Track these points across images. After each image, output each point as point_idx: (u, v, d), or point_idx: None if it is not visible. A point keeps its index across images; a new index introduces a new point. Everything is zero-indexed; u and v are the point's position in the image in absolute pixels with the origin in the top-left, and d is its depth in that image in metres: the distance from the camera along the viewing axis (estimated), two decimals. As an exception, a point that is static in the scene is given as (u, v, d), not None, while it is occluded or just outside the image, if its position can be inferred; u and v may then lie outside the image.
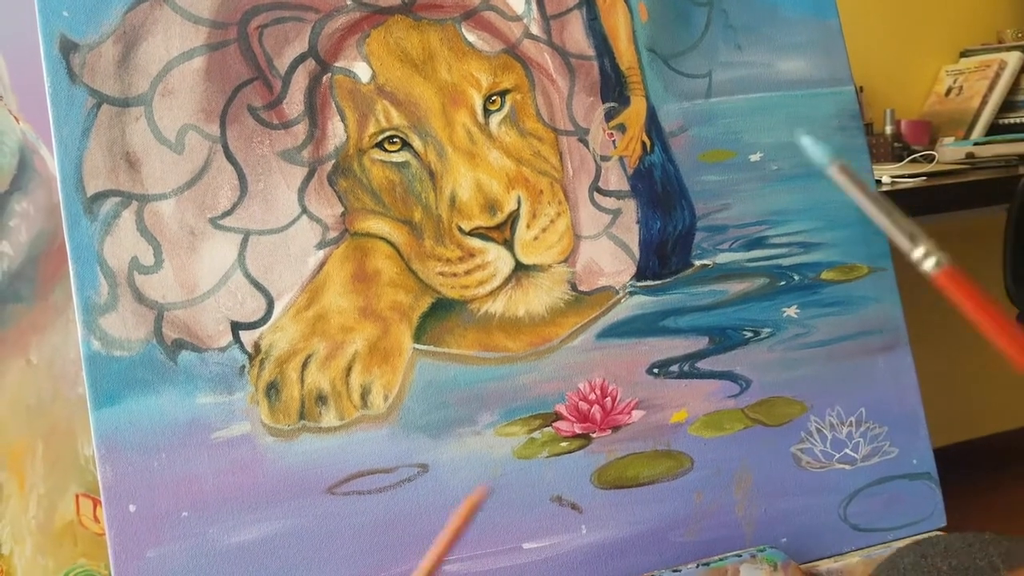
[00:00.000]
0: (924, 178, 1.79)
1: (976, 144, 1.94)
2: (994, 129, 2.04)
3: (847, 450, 0.90)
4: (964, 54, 2.17)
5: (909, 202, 1.63)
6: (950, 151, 1.94)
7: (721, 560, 0.83)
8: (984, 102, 2.04)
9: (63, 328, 0.95)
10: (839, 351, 0.91)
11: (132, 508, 0.72)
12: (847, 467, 0.90)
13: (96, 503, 0.93)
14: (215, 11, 0.78)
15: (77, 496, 0.93)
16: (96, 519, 0.93)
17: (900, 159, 1.97)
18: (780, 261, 0.91)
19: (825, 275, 0.92)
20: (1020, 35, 2.13)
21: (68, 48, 0.74)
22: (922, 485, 0.92)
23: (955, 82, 2.12)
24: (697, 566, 0.82)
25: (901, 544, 0.90)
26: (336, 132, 0.80)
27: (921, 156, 1.93)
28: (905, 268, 0.93)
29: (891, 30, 2.09)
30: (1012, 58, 2.04)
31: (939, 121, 2.10)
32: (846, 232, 0.93)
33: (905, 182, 1.76)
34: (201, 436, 0.74)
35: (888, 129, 2.03)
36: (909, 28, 2.14)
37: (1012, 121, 2.04)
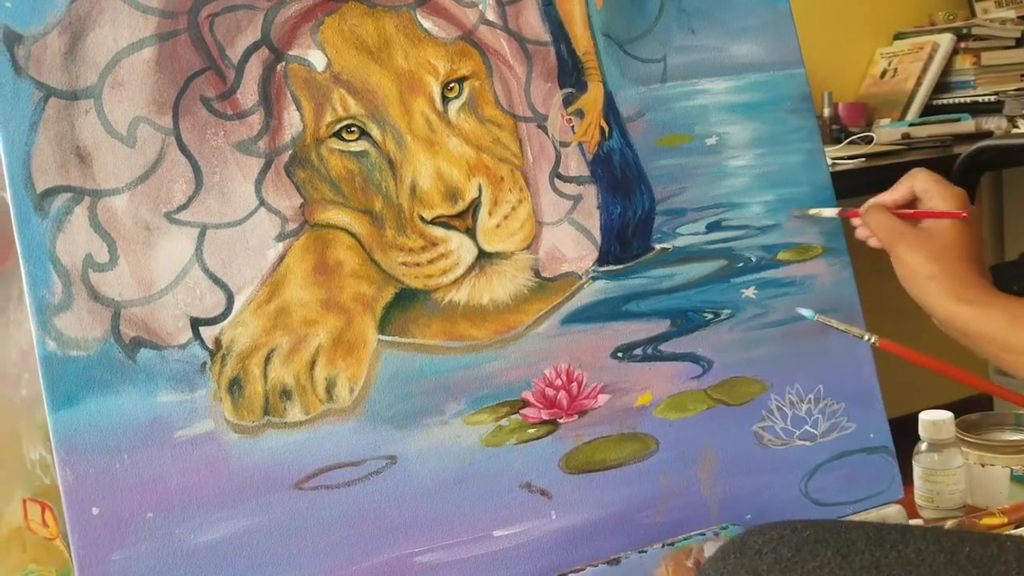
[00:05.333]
0: (863, 159, 1.83)
1: (912, 125, 1.99)
2: (928, 110, 2.09)
3: (807, 427, 0.92)
4: (898, 37, 2.22)
5: (849, 184, 1.66)
6: (887, 132, 1.98)
7: (685, 539, 0.84)
8: (918, 84, 2.09)
9: (3, 329, 0.92)
10: (796, 330, 0.93)
11: (95, 511, 0.70)
12: (807, 443, 0.92)
13: (44, 507, 0.90)
14: (164, 0, 0.76)
15: (24, 501, 0.90)
16: (44, 524, 0.91)
17: (838, 141, 2.01)
18: (737, 243, 0.92)
19: (781, 256, 0.93)
20: (951, 18, 2.19)
21: (12, 40, 0.72)
22: (879, 458, 0.94)
23: (889, 64, 2.17)
24: (663, 546, 0.83)
25: (861, 516, 0.92)
26: (292, 122, 0.79)
27: (859, 138, 1.97)
28: (857, 248, 0.95)
29: (826, 14, 2.13)
30: (944, 40, 2.09)
31: (875, 103, 2.15)
32: (801, 213, 0.95)
33: (844, 164, 1.80)
34: (164, 435, 0.72)
35: (826, 112, 2.07)
36: (843, 12, 2.18)
37: (945, 102, 2.10)
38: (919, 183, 0.82)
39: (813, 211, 0.92)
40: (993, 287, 0.75)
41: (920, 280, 0.77)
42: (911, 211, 0.82)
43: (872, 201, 0.84)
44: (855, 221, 0.87)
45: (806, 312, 0.85)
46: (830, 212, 0.92)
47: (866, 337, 0.81)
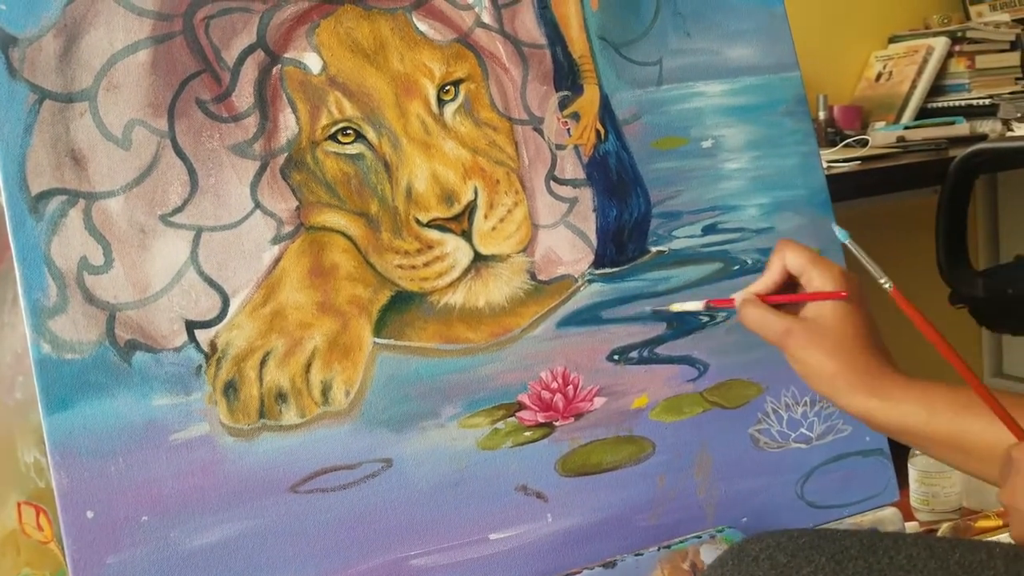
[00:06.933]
0: (858, 162, 1.83)
1: (907, 128, 1.99)
2: (923, 113, 2.10)
3: (802, 429, 0.92)
4: (892, 40, 2.23)
5: (844, 187, 1.67)
6: (882, 135, 1.99)
7: (682, 542, 0.84)
8: (913, 87, 2.10)
9: (-4, 332, 0.91)
10: (792, 333, 0.92)
11: (90, 515, 0.70)
12: (803, 446, 0.92)
13: (39, 511, 0.90)
14: (159, 2, 0.76)
15: (19, 504, 0.90)
16: (39, 527, 0.90)
17: (834, 144, 2.01)
18: (733, 246, 0.92)
19: (777, 258, 0.93)
20: (945, 21, 2.20)
21: (7, 42, 0.71)
22: (875, 461, 0.95)
23: (884, 67, 2.17)
24: (658, 549, 0.83)
25: (857, 519, 0.92)
26: (288, 124, 0.78)
27: (855, 141, 1.98)
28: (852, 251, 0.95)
29: (821, 17, 2.13)
30: (939, 43, 2.10)
31: (870, 106, 2.15)
32: (796, 216, 0.95)
33: (840, 166, 1.80)
34: (159, 438, 0.72)
35: (821, 115, 2.08)
36: (838, 15, 2.19)
37: (940, 105, 2.10)
38: (791, 260, 0.74)
39: (676, 307, 0.85)
40: (900, 373, 0.70)
41: (824, 380, 0.70)
42: (785, 296, 0.74)
43: (745, 293, 0.75)
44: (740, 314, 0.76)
45: (840, 232, 0.75)
46: (695, 305, 0.83)
47: (883, 280, 0.72)
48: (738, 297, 0.75)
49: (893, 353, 0.73)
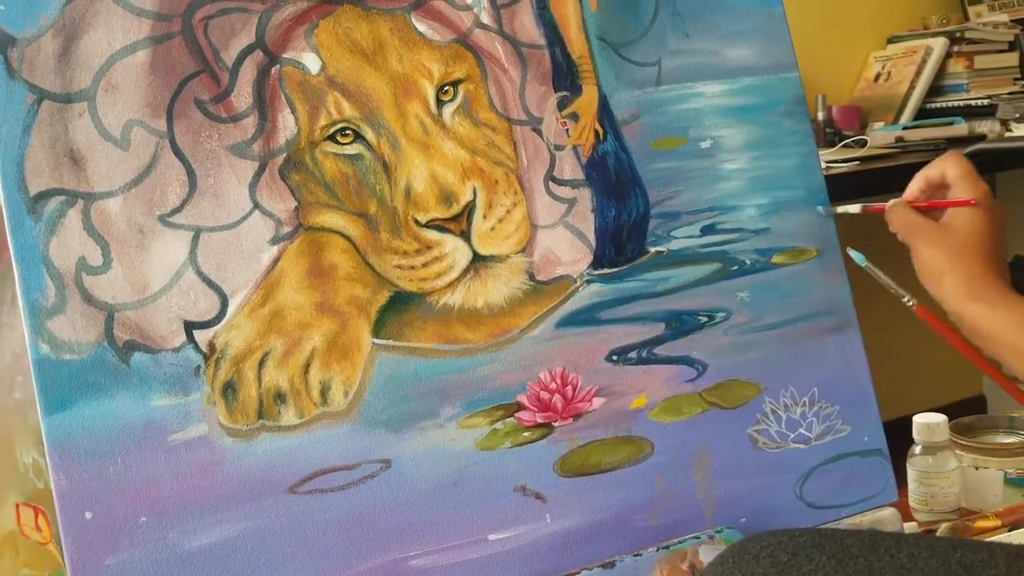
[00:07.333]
0: (857, 163, 1.83)
1: (905, 128, 2.00)
2: (922, 113, 2.10)
3: (801, 430, 0.92)
4: (891, 40, 2.23)
5: (842, 187, 1.67)
6: (880, 136, 1.99)
7: (680, 543, 0.84)
8: (912, 87, 2.10)
9: (-6, 332, 0.91)
10: (791, 333, 0.93)
11: (88, 516, 0.70)
12: (802, 446, 0.92)
13: (37, 511, 0.90)
14: (158, 3, 0.76)
15: (17, 505, 0.90)
16: (37, 528, 0.90)
17: (832, 144, 2.02)
18: (732, 246, 0.92)
19: (776, 259, 0.93)
20: (944, 21, 2.20)
21: (5, 42, 0.71)
22: (874, 462, 0.94)
23: (883, 68, 2.18)
24: (657, 549, 0.83)
25: (855, 520, 0.92)
26: (287, 125, 0.78)
27: (853, 141, 1.98)
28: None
29: (820, 17, 2.14)
30: (937, 44, 2.10)
31: (869, 106, 2.15)
32: (795, 216, 0.95)
33: (838, 167, 1.80)
34: (157, 439, 0.72)
35: (820, 115, 2.08)
36: (837, 15, 2.19)
37: (939, 105, 2.11)
38: (950, 170, 0.81)
39: (840, 209, 0.93)
40: (1009, 287, 0.74)
41: (934, 275, 0.77)
42: (926, 202, 0.82)
43: (896, 199, 0.84)
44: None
45: (856, 256, 0.86)
46: (855, 208, 0.92)
47: (906, 299, 0.82)
48: (890, 201, 0.84)
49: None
